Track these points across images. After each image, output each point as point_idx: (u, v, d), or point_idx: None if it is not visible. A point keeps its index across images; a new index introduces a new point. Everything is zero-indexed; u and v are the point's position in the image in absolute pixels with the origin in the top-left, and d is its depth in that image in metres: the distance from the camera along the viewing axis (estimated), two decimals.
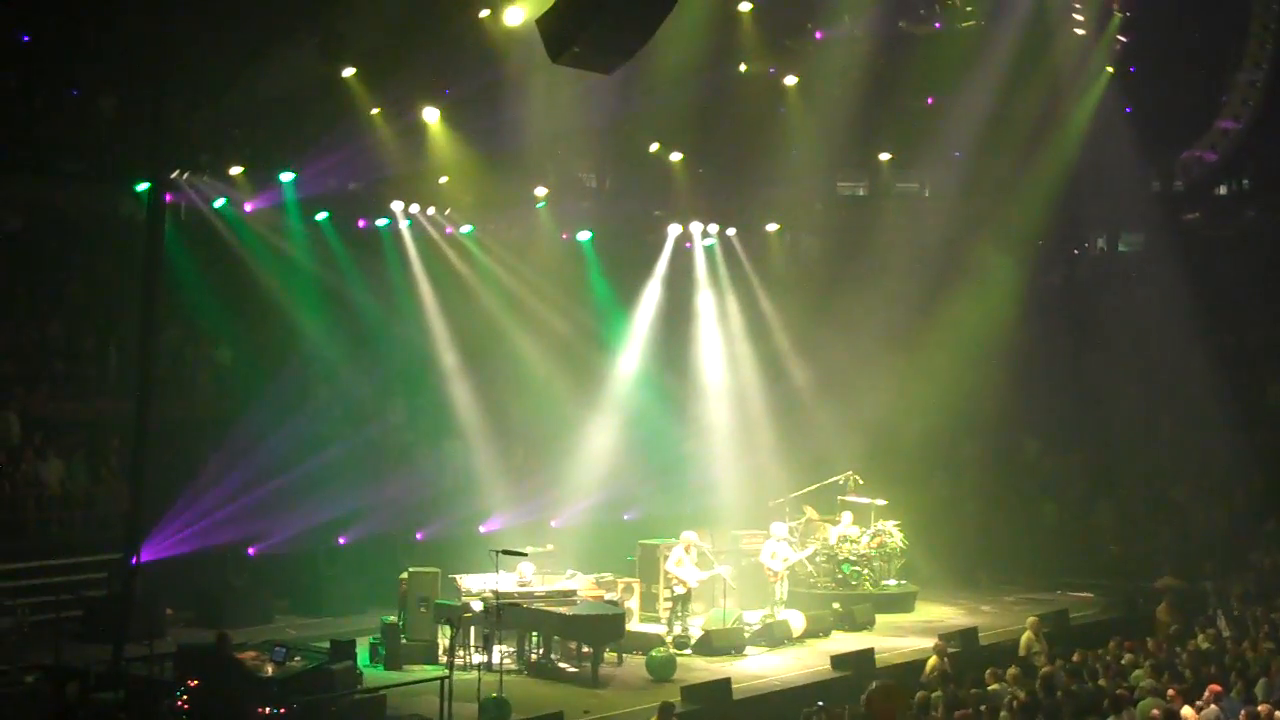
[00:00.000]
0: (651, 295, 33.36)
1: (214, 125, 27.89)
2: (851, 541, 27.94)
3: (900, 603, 28.09)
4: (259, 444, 26.51)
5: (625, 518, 30.46)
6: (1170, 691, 18.39)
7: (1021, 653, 22.69)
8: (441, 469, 29.55)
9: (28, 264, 28.54)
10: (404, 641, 22.73)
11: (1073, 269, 40.62)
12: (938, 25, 32.94)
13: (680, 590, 24.57)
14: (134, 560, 22.08)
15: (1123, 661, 21.08)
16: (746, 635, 24.57)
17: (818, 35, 31.97)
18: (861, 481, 28.47)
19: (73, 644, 21.77)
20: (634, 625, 24.72)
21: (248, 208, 28.01)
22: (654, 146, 32.30)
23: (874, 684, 17.14)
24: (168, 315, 26.57)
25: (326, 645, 20.66)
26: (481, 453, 29.70)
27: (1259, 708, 17.82)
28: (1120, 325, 36.26)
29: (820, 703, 18.86)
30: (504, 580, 22.31)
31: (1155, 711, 17.53)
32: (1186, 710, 17.75)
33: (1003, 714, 17.77)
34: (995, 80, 32.26)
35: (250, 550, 26.11)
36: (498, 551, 21.30)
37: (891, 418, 32.68)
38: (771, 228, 36.12)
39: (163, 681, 19.43)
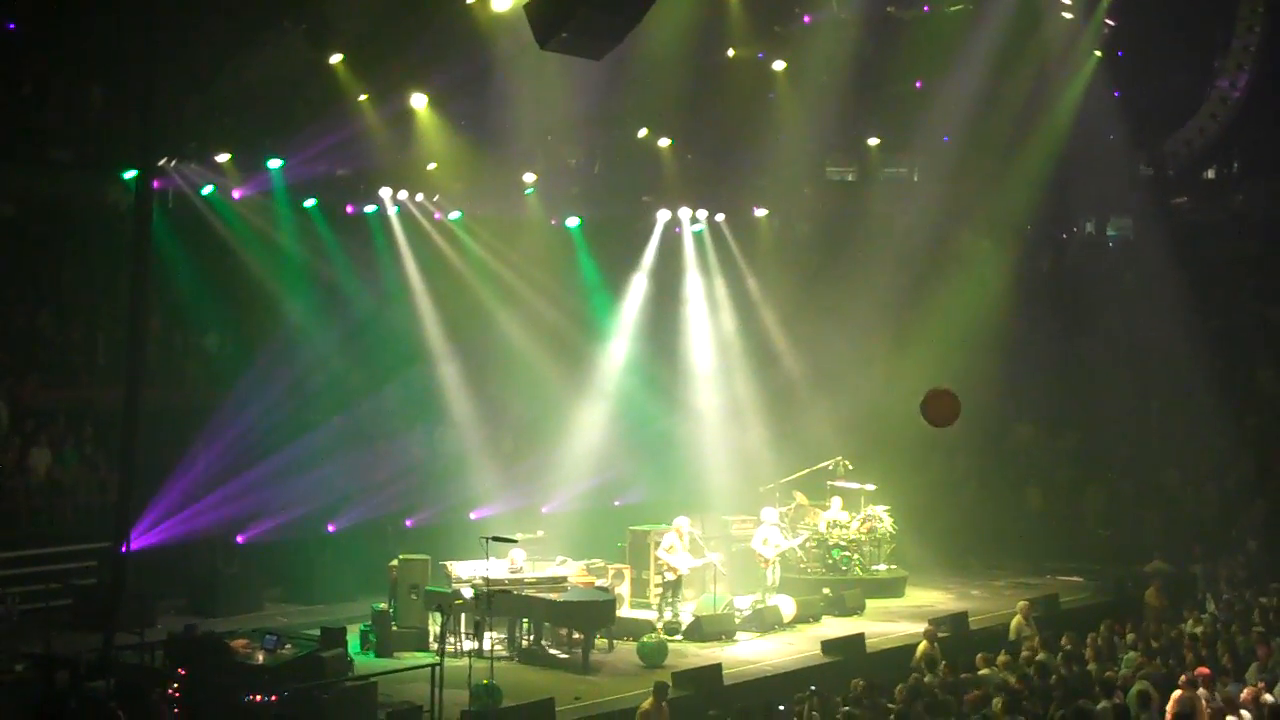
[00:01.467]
0: (640, 281, 33.37)
1: (202, 112, 27.77)
2: (841, 527, 27.99)
3: (890, 588, 28.15)
4: (247, 431, 26.51)
5: (615, 504, 30.51)
6: (1182, 678, 18.39)
7: (1012, 637, 22.74)
8: (431, 455, 29.53)
9: (16, 252, 28.47)
10: (395, 628, 22.73)
11: (1061, 253, 40.66)
12: (926, 9, 32.91)
13: (671, 577, 24.59)
14: (123, 548, 22.03)
15: (1113, 645, 21.12)
16: (737, 621, 24.59)
17: (805, 20, 31.91)
18: (851, 467, 28.55)
19: (62, 632, 21.67)
20: (625, 611, 24.73)
21: (236, 195, 27.95)
22: (642, 132, 32.28)
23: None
24: (156, 303, 26.51)
25: (317, 633, 20.69)
26: (471, 439, 29.71)
27: (1245, 691, 17.89)
28: (1109, 309, 36.33)
29: (813, 687, 18.88)
30: (494, 567, 22.33)
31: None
32: (1173, 693, 17.83)
33: (993, 698, 17.80)
34: (984, 65, 32.23)
35: (239, 538, 26.07)
36: (488, 538, 21.30)
37: (881, 402, 32.60)
38: (760, 213, 36.13)
39: (153, 670, 19.43)
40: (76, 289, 29.13)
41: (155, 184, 25.12)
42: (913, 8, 32.80)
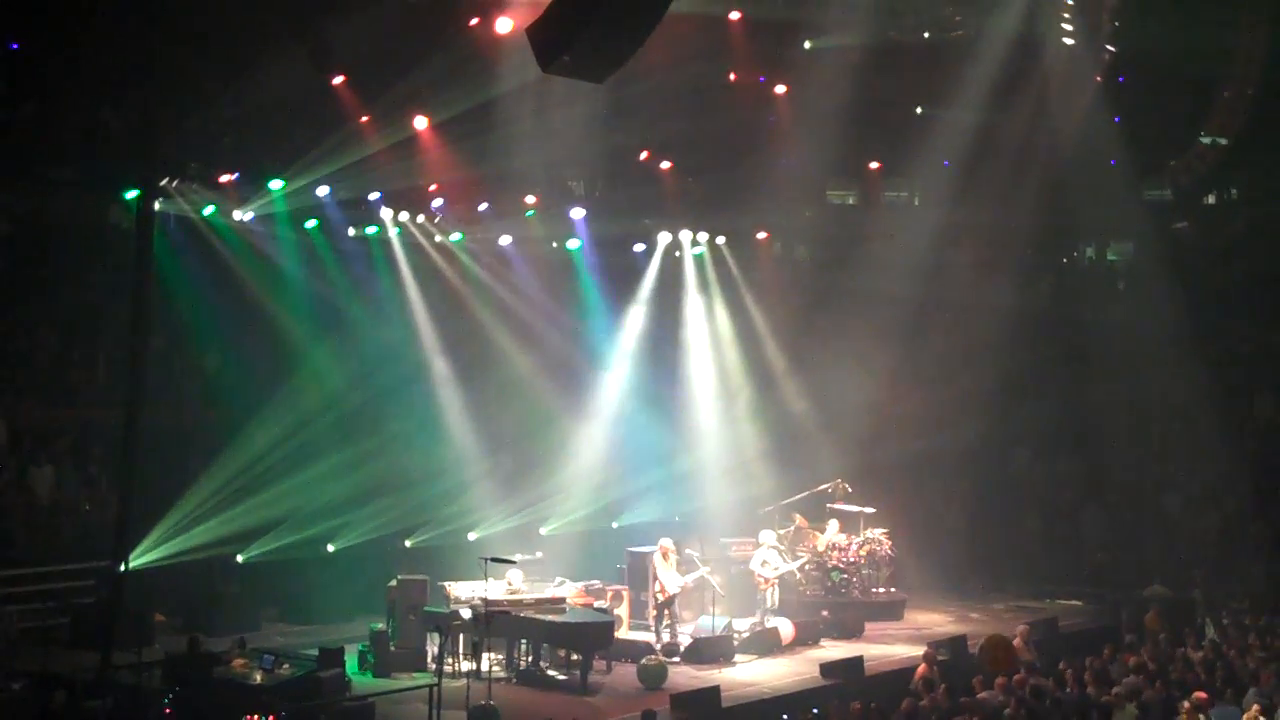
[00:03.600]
0: (641, 303, 33.34)
1: (203, 133, 27.85)
2: (840, 549, 27.96)
3: (889, 610, 28.11)
4: (247, 451, 26.52)
5: (614, 525, 30.47)
6: (1185, 703, 18.39)
7: None
8: (430, 476, 29.49)
9: (16, 271, 28.50)
10: (392, 649, 22.70)
11: (1061, 278, 40.64)
12: (926, 35, 32.96)
13: (662, 598, 24.56)
14: (122, 567, 22.05)
15: (1111, 669, 21.09)
16: (736, 643, 24.57)
17: (806, 45, 31.96)
18: (850, 489, 28.54)
19: (60, 651, 21.75)
20: (623, 633, 24.73)
21: (237, 216, 27.94)
22: (643, 155, 32.31)
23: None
24: (156, 323, 26.53)
25: (315, 653, 20.67)
26: (471, 460, 29.67)
27: (1245, 715, 17.87)
28: (1109, 334, 36.26)
29: (815, 710, 18.86)
30: (493, 588, 22.31)
31: None
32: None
33: None
34: (984, 89, 32.25)
35: (239, 557, 26.05)
36: (486, 559, 21.31)
37: (880, 425, 32.65)
38: (761, 236, 36.17)
39: (150, 689, 19.41)
40: (76, 308, 29.14)
41: (156, 205, 25.24)
42: (914, 33, 32.84)
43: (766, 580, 25.66)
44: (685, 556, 25.02)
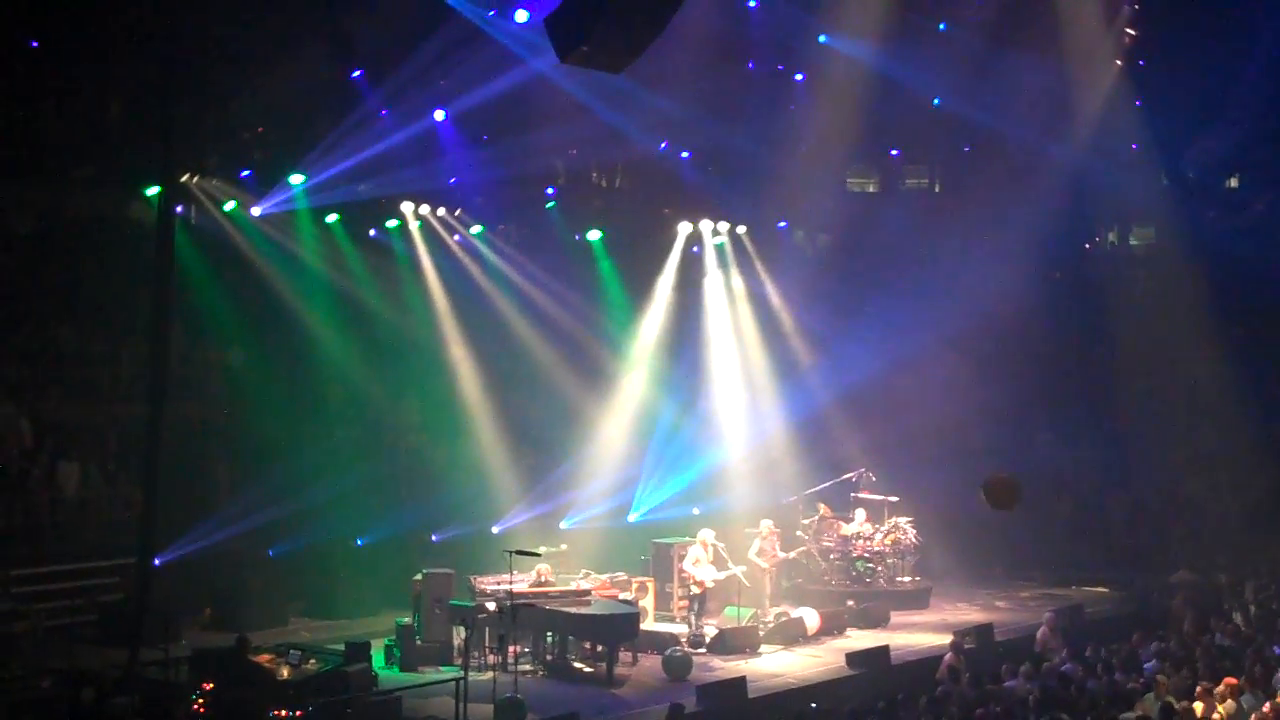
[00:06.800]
0: (662, 294, 33.28)
1: (223, 128, 27.87)
2: (865, 538, 27.92)
3: (915, 599, 28.09)
4: (272, 447, 26.53)
5: (637, 517, 30.41)
6: (1199, 689, 18.32)
7: (1037, 648, 22.68)
8: (454, 470, 29.48)
9: (39, 268, 28.54)
10: (419, 643, 22.72)
11: (1084, 263, 40.51)
12: (943, 25, 32.82)
13: (696, 590, 24.55)
14: (149, 563, 22.07)
15: (1138, 656, 21.03)
16: (761, 634, 24.55)
17: (824, 35, 31.83)
18: (874, 478, 28.49)
19: (88, 648, 21.78)
20: (649, 625, 24.71)
21: (257, 210, 27.93)
22: (663, 145, 32.25)
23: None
24: (178, 318, 26.53)
25: (341, 647, 20.67)
26: (494, 453, 29.64)
27: (1275, 700, 17.80)
28: (1131, 318, 36.18)
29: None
30: (518, 580, 22.30)
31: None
32: (1200, 705, 17.76)
33: (1019, 710, 17.73)
34: (1004, 75, 32.15)
35: (270, 552, 26.02)
36: (511, 552, 21.29)
37: (903, 413, 32.57)
38: (782, 225, 36.08)
39: (178, 685, 19.44)
40: (99, 304, 29.13)
41: (177, 202, 25.26)
42: (932, 19, 32.71)
43: (765, 569, 25.65)
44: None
